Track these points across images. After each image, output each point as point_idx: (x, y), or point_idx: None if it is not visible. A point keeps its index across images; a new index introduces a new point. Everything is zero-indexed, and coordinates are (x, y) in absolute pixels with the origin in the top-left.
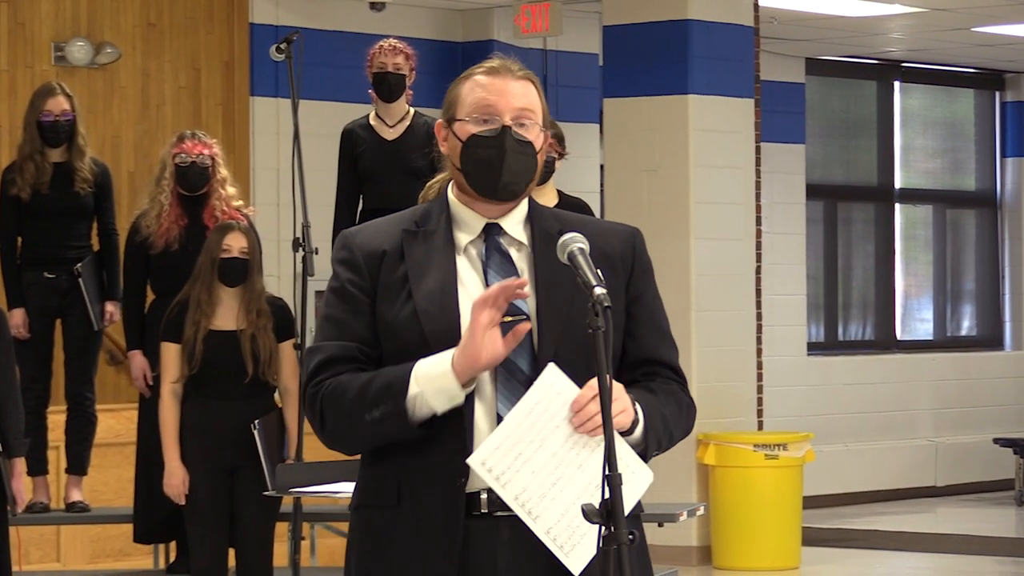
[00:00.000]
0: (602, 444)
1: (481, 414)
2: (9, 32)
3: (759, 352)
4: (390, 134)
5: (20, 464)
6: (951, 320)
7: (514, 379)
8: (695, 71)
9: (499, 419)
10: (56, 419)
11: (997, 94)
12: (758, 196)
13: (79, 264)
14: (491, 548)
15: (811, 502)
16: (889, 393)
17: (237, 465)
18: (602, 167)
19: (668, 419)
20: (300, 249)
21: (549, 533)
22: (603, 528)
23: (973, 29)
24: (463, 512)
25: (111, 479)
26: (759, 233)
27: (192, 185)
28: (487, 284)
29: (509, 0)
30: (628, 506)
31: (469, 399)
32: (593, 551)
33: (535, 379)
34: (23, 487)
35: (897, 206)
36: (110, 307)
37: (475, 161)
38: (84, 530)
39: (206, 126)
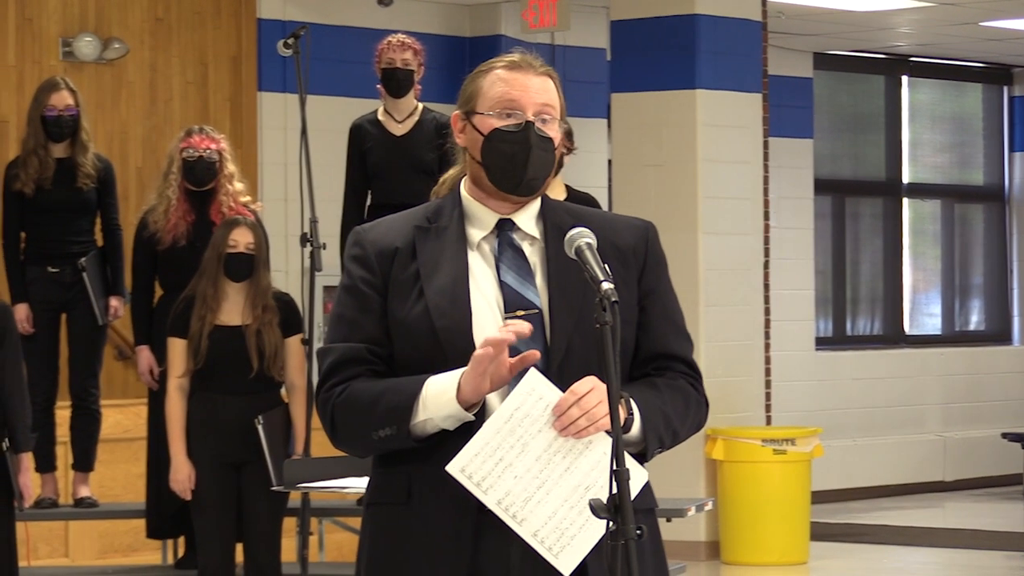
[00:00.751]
0: (590, 448)
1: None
2: (17, 28)
3: (767, 347)
4: (398, 129)
5: (28, 459)
6: (959, 315)
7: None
8: (703, 66)
9: None
10: (62, 415)
11: (1005, 89)
12: (766, 191)
13: (83, 259)
14: (502, 547)
15: (819, 497)
16: (897, 388)
17: (244, 460)
18: (610, 162)
19: (671, 416)
20: (308, 244)
21: (536, 535)
22: (610, 523)
23: (981, 24)
24: (473, 511)
25: (119, 474)
26: (767, 228)
27: (199, 180)
28: (500, 279)
29: None
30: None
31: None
32: (584, 552)
33: (548, 375)
34: (31, 482)
35: (905, 201)
36: (114, 302)
37: (498, 155)
38: (93, 525)
39: (214, 121)
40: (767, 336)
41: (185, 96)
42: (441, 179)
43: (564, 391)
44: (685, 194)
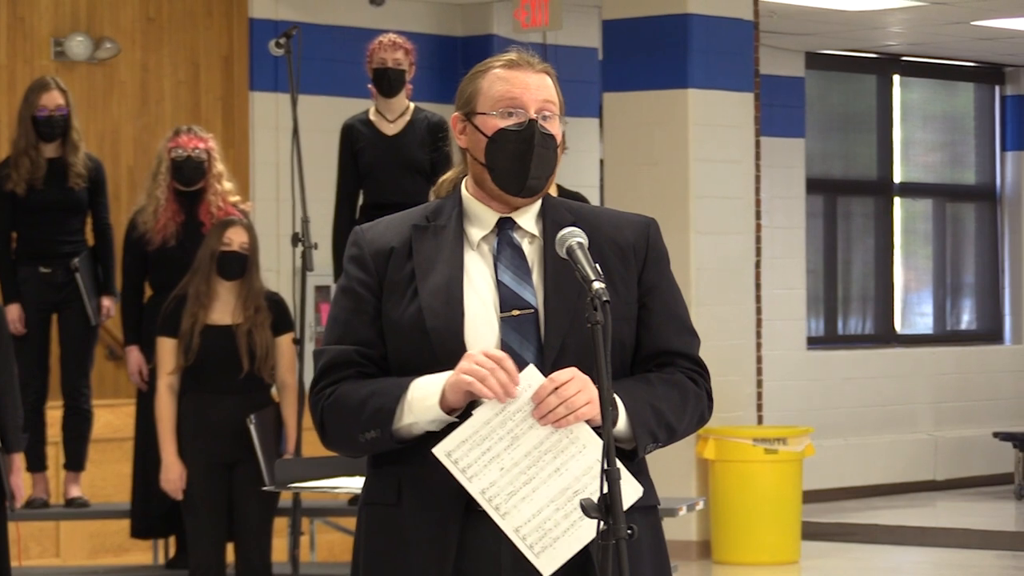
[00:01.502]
0: (584, 452)
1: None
2: (8, 27)
3: (759, 346)
4: (390, 129)
5: (19, 460)
6: (951, 314)
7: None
8: (695, 65)
9: None
10: (53, 415)
11: (997, 88)
12: (758, 190)
13: (75, 259)
14: (494, 546)
15: (811, 496)
16: (889, 387)
17: (235, 460)
18: (602, 161)
19: (663, 410)
20: (299, 244)
21: (518, 532)
22: (601, 523)
23: (973, 23)
24: (461, 509)
25: (110, 474)
26: (759, 227)
27: (188, 179)
28: (497, 278)
29: None
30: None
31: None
32: (566, 556)
33: (542, 371)
34: (22, 482)
35: (897, 200)
36: (106, 302)
37: (503, 155)
38: (83, 525)
39: (205, 121)
40: (758, 335)
41: (177, 96)
42: (440, 179)
43: None
44: (677, 193)
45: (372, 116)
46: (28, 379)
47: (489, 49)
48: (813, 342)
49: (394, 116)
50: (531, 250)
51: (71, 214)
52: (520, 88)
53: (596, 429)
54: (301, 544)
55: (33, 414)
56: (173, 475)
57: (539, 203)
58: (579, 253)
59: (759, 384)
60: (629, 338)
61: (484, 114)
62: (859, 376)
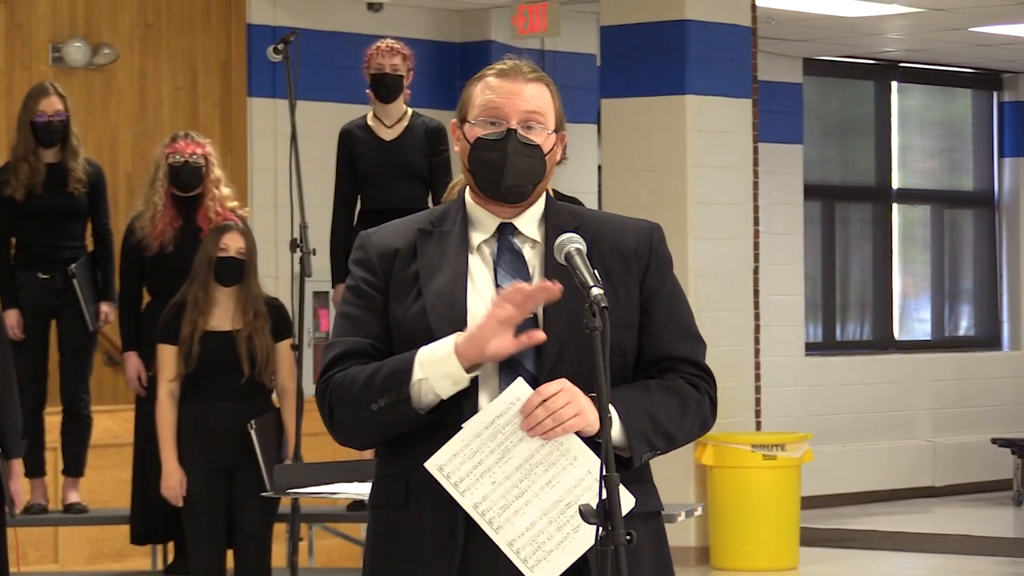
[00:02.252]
0: (575, 464)
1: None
2: (7, 33)
3: (757, 352)
4: (388, 135)
5: (18, 465)
6: (949, 320)
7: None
8: (692, 71)
9: None
10: (52, 420)
11: (995, 94)
12: (756, 196)
13: (74, 265)
14: (496, 553)
15: (809, 502)
16: (887, 393)
17: (235, 466)
18: (600, 167)
19: (660, 418)
20: (298, 250)
21: (512, 545)
22: (600, 529)
23: (971, 29)
24: (466, 515)
25: (109, 480)
26: (757, 233)
27: (185, 185)
28: (497, 283)
29: (507, 1)
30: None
31: (473, 399)
32: (560, 569)
33: (540, 378)
34: (21, 488)
35: (895, 206)
36: (105, 307)
37: (480, 163)
38: (82, 531)
39: (203, 127)
40: (757, 341)
41: (175, 102)
42: (451, 184)
43: None
44: (675, 199)
45: (370, 121)
46: (27, 384)
47: (487, 55)
48: (811, 348)
49: (392, 121)
50: (532, 255)
51: (70, 219)
52: (503, 98)
53: (589, 440)
54: (300, 550)
55: (32, 420)
56: (173, 481)
57: (542, 208)
58: (577, 259)
59: (757, 390)
60: (630, 344)
61: (470, 122)
62: (857, 382)
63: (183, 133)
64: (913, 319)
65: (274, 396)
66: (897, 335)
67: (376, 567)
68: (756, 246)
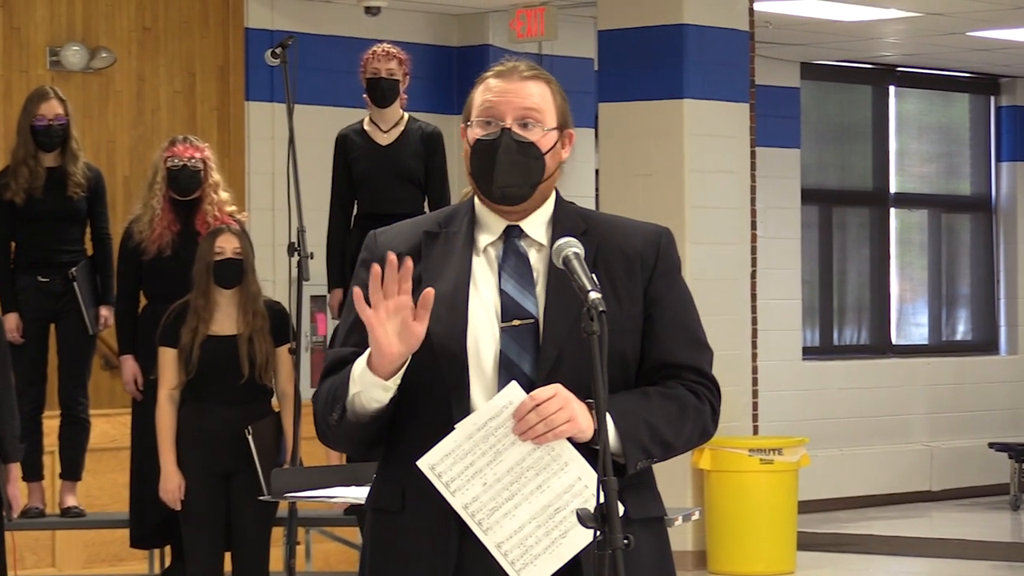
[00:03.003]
0: (565, 469)
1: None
2: (4, 37)
3: (754, 356)
4: (384, 139)
5: (16, 469)
6: (946, 324)
7: (516, 382)
8: (690, 75)
9: None
10: (50, 424)
11: (992, 98)
12: (753, 200)
13: (73, 268)
14: (487, 556)
15: (806, 507)
16: (884, 398)
17: (233, 470)
18: (597, 171)
19: (658, 425)
20: (295, 254)
21: (500, 548)
22: (597, 533)
23: (968, 34)
24: (460, 522)
25: (106, 484)
26: (754, 237)
27: (184, 189)
28: (501, 286)
29: (504, 5)
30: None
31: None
32: (548, 573)
33: (537, 382)
34: (18, 492)
35: (892, 210)
36: (104, 311)
37: (475, 164)
38: (79, 535)
39: (201, 131)
40: (754, 346)
41: (172, 105)
42: (465, 191)
43: None
44: (672, 204)
45: (366, 126)
46: (25, 388)
47: (484, 59)
48: (808, 352)
49: (388, 126)
50: (538, 259)
51: (70, 223)
52: (498, 96)
53: (583, 446)
54: (297, 554)
55: (30, 423)
56: (172, 485)
57: (551, 210)
58: (575, 263)
59: (755, 394)
60: (632, 350)
61: (469, 124)
62: (854, 386)
63: (182, 137)
64: (910, 323)
65: (275, 400)
66: (894, 339)
67: (373, 571)
68: (753, 250)
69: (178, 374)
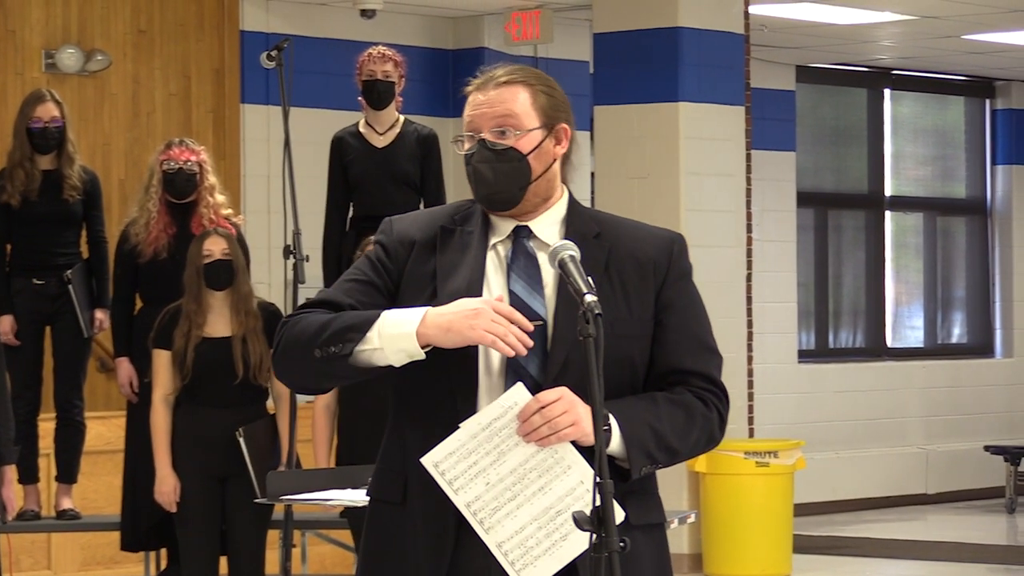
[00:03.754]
0: (568, 472)
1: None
2: None
3: (750, 359)
4: (380, 141)
5: (11, 472)
6: (941, 328)
7: (522, 383)
8: (685, 79)
9: None
10: (46, 426)
11: (987, 102)
12: (748, 204)
13: (69, 271)
14: (485, 554)
15: (802, 509)
16: (880, 400)
17: (228, 473)
18: (592, 175)
19: (663, 432)
20: (291, 256)
21: (500, 547)
22: (594, 535)
23: (963, 37)
24: (459, 518)
25: (102, 486)
26: (750, 240)
27: (179, 192)
28: (509, 286)
29: (500, 7)
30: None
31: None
32: (547, 574)
33: (544, 385)
34: (14, 495)
35: (887, 214)
36: (99, 314)
37: (468, 178)
38: (75, 537)
39: (196, 133)
40: (750, 348)
41: (168, 108)
42: None
43: None
44: (668, 207)
45: (362, 128)
46: (21, 391)
47: (480, 62)
48: (804, 355)
49: (384, 128)
50: (546, 260)
51: (66, 226)
52: (474, 110)
53: (586, 449)
54: (293, 556)
55: (26, 426)
56: (167, 487)
57: (563, 211)
58: (571, 266)
59: (750, 397)
60: (641, 356)
61: (460, 140)
62: (850, 389)
63: (178, 140)
64: (906, 326)
65: (270, 403)
66: (890, 342)
67: (370, 562)
68: (749, 253)
69: (173, 379)
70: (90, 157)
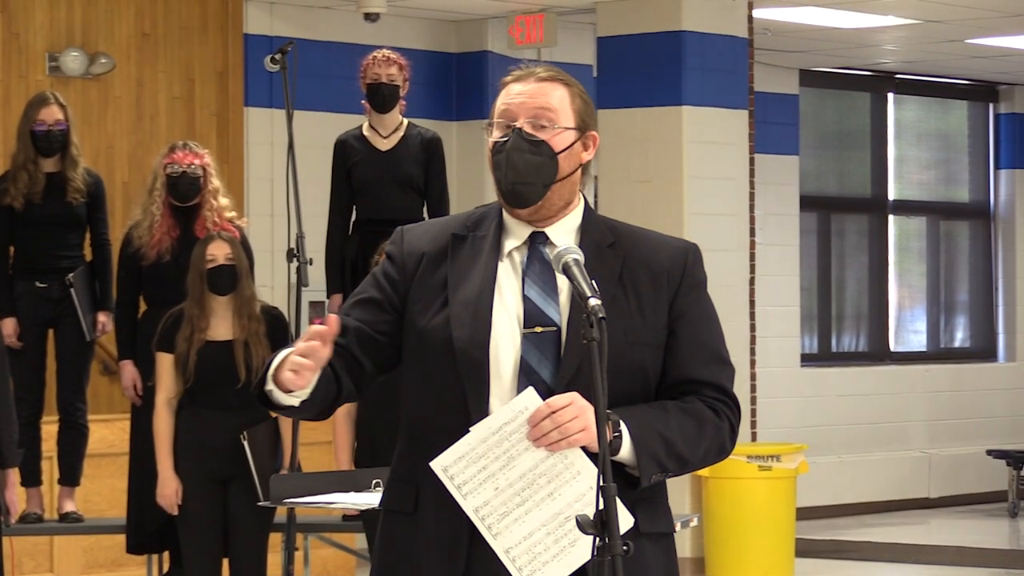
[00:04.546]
0: (578, 478)
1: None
2: (3, 42)
3: (752, 363)
4: (384, 145)
5: (14, 474)
6: (944, 332)
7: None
8: (689, 82)
9: None
10: (49, 429)
11: (991, 106)
12: (752, 207)
13: (71, 274)
14: (497, 562)
15: (804, 513)
16: (882, 405)
17: (231, 476)
18: (596, 178)
19: (674, 440)
20: (294, 259)
21: (508, 553)
22: (597, 539)
23: (967, 41)
24: (470, 523)
25: (104, 489)
26: (753, 244)
27: (183, 195)
28: (524, 292)
29: (503, 11)
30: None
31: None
32: None
33: (556, 390)
34: (16, 497)
35: (891, 217)
36: (102, 317)
37: (493, 166)
38: (77, 540)
39: (200, 136)
40: (752, 352)
41: (171, 111)
42: None
43: None
44: (671, 210)
45: (366, 131)
46: (24, 394)
47: (483, 65)
48: (807, 359)
49: (387, 131)
50: None
51: (69, 229)
52: (513, 98)
53: (595, 455)
54: (295, 560)
55: (29, 429)
56: (169, 490)
57: (579, 220)
58: (575, 270)
59: (753, 401)
60: (653, 365)
61: (488, 128)
62: (853, 393)
63: (182, 143)
64: (909, 330)
65: None
66: (893, 346)
67: (383, 573)
68: (752, 257)
69: (176, 383)
70: (94, 160)
